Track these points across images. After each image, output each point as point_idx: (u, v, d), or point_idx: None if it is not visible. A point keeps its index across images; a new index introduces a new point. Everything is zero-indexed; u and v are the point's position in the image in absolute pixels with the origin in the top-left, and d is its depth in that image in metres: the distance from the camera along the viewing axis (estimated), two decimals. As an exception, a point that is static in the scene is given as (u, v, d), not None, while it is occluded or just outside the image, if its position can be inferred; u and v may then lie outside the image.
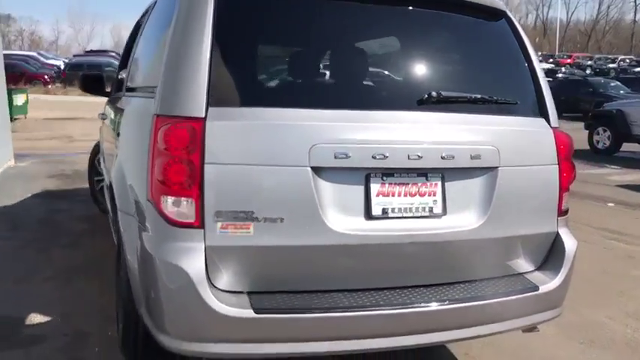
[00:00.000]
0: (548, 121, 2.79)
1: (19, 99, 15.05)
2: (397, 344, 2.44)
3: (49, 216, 6.03)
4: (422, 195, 2.49)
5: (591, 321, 3.91)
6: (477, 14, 2.82)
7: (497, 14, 2.88)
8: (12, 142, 9.33)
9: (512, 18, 2.93)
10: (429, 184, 2.50)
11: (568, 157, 2.81)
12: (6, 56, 11.71)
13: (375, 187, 2.42)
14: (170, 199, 2.25)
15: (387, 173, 2.43)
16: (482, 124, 2.60)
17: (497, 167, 2.58)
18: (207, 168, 2.23)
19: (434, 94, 2.50)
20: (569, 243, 2.79)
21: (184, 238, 2.25)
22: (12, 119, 12.19)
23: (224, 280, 2.31)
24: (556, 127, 2.81)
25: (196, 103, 2.25)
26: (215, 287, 2.28)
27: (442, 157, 2.46)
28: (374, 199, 2.41)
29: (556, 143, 2.76)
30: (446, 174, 2.52)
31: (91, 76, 5.10)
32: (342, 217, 2.36)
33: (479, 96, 2.63)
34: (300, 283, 2.40)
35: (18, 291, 4.00)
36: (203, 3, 2.34)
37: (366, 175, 2.41)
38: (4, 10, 65.96)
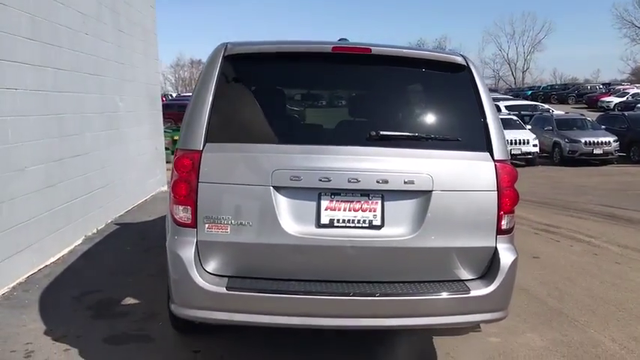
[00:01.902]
0: (492, 154, 3.36)
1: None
2: (338, 324, 3.19)
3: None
4: (364, 210, 3.23)
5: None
6: (430, 67, 3.51)
7: (453, 66, 3.53)
8: (166, 172, 11.12)
9: (471, 67, 3.54)
10: (370, 202, 3.23)
11: (510, 185, 3.35)
12: (183, 97, 13.64)
13: (324, 203, 3.22)
14: (177, 207, 3.26)
15: (335, 192, 3.22)
16: (418, 156, 3.28)
17: (430, 191, 3.24)
18: (200, 185, 3.20)
19: (373, 132, 3.25)
20: (506, 257, 3.31)
21: (184, 234, 3.23)
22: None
23: (212, 265, 3.25)
24: (501, 160, 3.37)
25: (197, 140, 3.25)
26: (205, 270, 3.22)
27: (377, 182, 3.19)
28: (323, 212, 3.21)
29: (497, 173, 3.33)
30: (385, 194, 3.24)
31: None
32: (296, 224, 3.19)
33: (416, 134, 3.33)
34: (265, 272, 3.25)
35: (126, 282, 5.28)
36: (209, 78, 3.34)
37: (318, 194, 3.22)
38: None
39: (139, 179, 8.98)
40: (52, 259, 5.88)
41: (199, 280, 3.15)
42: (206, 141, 3.24)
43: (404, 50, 3.51)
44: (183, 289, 3.21)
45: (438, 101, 3.54)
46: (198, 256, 3.21)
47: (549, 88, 51.26)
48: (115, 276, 5.44)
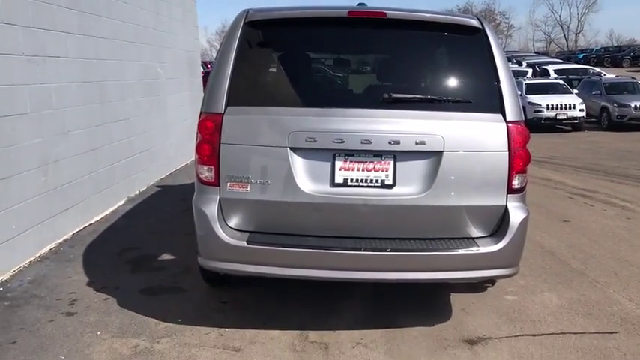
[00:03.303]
0: (504, 115, 3.44)
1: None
2: (350, 277, 3.38)
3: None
4: (377, 170, 3.38)
5: (603, 299, 4.26)
6: (445, 30, 3.58)
7: (468, 29, 3.59)
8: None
9: (486, 30, 3.60)
10: (383, 162, 3.38)
11: (521, 146, 3.43)
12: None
13: (338, 164, 3.38)
14: (201, 167, 3.48)
15: (349, 153, 3.38)
16: (430, 118, 3.39)
17: (442, 151, 3.35)
18: (222, 147, 3.41)
19: (387, 95, 3.38)
20: (516, 215, 3.42)
21: (208, 192, 3.46)
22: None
23: (234, 221, 3.48)
24: (513, 121, 3.44)
25: (219, 104, 3.44)
26: (227, 226, 3.46)
27: (389, 143, 3.33)
28: (337, 172, 3.38)
29: (509, 134, 3.41)
30: (397, 155, 3.38)
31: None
32: (311, 183, 3.37)
33: (428, 96, 3.44)
34: (283, 228, 3.46)
35: (164, 239, 5.60)
36: (231, 44, 3.50)
37: (333, 154, 3.38)
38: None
39: (180, 144, 9.31)
40: (97, 218, 6.26)
41: (222, 235, 3.38)
42: (227, 104, 3.43)
43: (419, 14, 3.59)
44: (207, 242, 3.45)
45: (452, 64, 3.62)
46: (221, 212, 3.43)
47: (602, 50, 49.33)
48: (154, 234, 5.77)
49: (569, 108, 16.97)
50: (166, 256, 5.15)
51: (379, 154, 3.37)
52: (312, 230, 3.45)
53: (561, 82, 19.20)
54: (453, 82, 3.59)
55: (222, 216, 3.45)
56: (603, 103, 17.90)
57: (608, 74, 26.91)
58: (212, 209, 3.42)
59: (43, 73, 5.19)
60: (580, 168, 10.27)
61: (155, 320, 3.84)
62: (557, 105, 16.56)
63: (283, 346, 3.51)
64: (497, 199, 3.43)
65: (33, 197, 5.00)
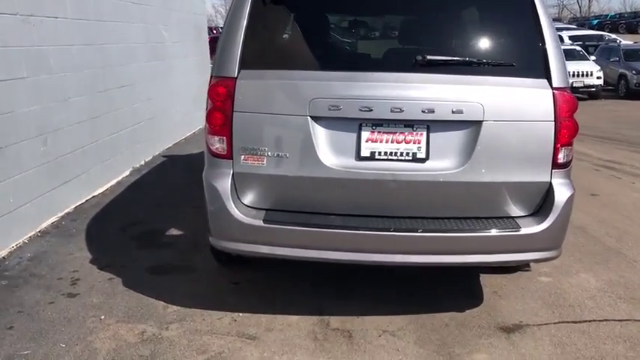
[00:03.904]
0: (550, 81, 3.07)
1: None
2: (377, 260, 3.06)
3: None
4: (407, 142, 3.03)
5: None
6: None
7: None
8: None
9: None
10: (414, 133, 3.03)
11: (569, 115, 3.07)
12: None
13: (365, 134, 3.03)
14: (212, 138, 3.14)
15: (377, 123, 3.02)
16: (468, 83, 3.02)
17: (481, 121, 2.99)
18: (235, 115, 3.06)
19: (420, 57, 3.00)
20: (561, 193, 3.07)
21: (220, 165, 3.13)
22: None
23: (248, 198, 3.15)
24: (560, 87, 3.07)
25: (232, 67, 3.08)
26: (242, 202, 3.13)
27: (422, 111, 2.97)
28: (363, 144, 3.03)
29: (555, 102, 3.04)
30: (431, 125, 3.02)
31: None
32: (335, 156, 3.03)
33: (466, 58, 3.06)
34: (304, 206, 3.13)
35: (171, 213, 5.29)
36: (242, 7, 3.13)
37: (359, 124, 3.03)
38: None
39: (186, 112, 8.95)
40: (100, 190, 5.96)
41: (235, 213, 3.06)
42: (241, 67, 3.07)
43: None
44: (219, 221, 3.14)
45: (492, 24, 3.24)
46: (235, 188, 3.11)
47: (617, 16, 48.11)
48: (160, 207, 5.47)
49: (587, 75, 16.44)
50: (174, 232, 4.85)
51: (411, 124, 3.02)
52: (335, 208, 3.13)
53: (578, 48, 18.58)
54: (493, 43, 3.21)
55: (236, 192, 3.12)
56: (621, 71, 17.36)
57: (624, 41, 26.18)
58: (224, 184, 3.09)
59: (39, 34, 4.82)
60: (602, 138, 9.88)
61: (163, 303, 3.56)
62: (573, 72, 16.01)
63: (303, 334, 3.22)
64: (540, 175, 3.08)
65: (32, 168, 4.68)
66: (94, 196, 5.79)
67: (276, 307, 3.49)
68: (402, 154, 3.03)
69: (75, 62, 5.42)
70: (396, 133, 3.03)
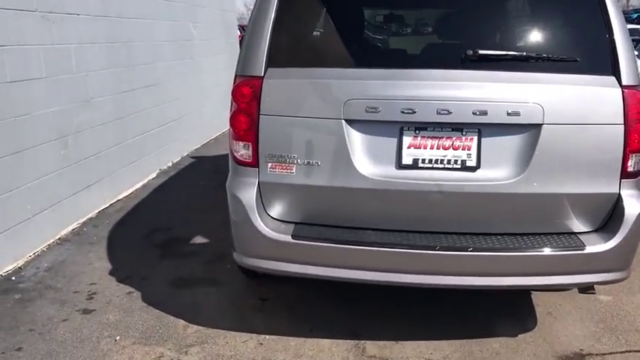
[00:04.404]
0: (619, 78, 2.68)
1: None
2: (420, 282, 2.71)
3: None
4: (456, 148, 2.67)
5: None
6: None
7: None
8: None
9: None
10: (464, 138, 2.67)
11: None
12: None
13: (407, 139, 2.69)
14: (237, 144, 2.83)
15: (421, 127, 2.67)
16: (525, 81, 2.65)
17: (540, 124, 2.62)
18: (262, 118, 2.75)
19: (470, 52, 2.64)
20: (632, 206, 2.68)
21: (244, 174, 2.82)
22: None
23: (276, 210, 2.83)
24: (630, 86, 2.68)
25: (258, 65, 2.77)
26: (268, 215, 2.82)
27: (473, 113, 2.61)
28: (405, 151, 2.68)
29: (625, 102, 2.65)
30: (483, 129, 2.66)
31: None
32: (372, 164, 2.69)
33: (524, 53, 2.68)
34: (337, 220, 2.81)
35: (196, 219, 5.02)
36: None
37: (400, 128, 2.69)
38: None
39: (216, 111, 8.70)
40: (125, 194, 5.73)
41: (261, 227, 2.75)
42: (268, 65, 2.76)
43: None
44: (243, 235, 2.84)
45: (551, 13, 2.84)
46: (261, 199, 2.80)
47: (660, 9, 46.41)
48: (186, 212, 5.21)
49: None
50: (199, 239, 4.57)
51: (460, 128, 2.66)
52: (372, 223, 2.79)
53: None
54: (553, 36, 2.82)
55: (262, 203, 2.81)
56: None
57: (670, 35, 25.07)
58: (249, 195, 2.79)
59: (60, 32, 4.59)
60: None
61: (184, 322, 3.27)
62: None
63: (336, 362, 2.89)
64: (607, 186, 2.69)
65: (51, 173, 4.46)
66: (118, 200, 5.56)
67: (306, 328, 3.18)
68: (449, 161, 2.68)
69: (98, 61, 5.19)
70: (442, 137, 2.68)
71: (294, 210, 2.83)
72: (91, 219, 5.02)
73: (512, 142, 2.66)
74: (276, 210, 2.83)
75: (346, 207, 2.78)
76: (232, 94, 2.82)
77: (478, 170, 2.67)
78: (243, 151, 2.81)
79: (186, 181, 6.42)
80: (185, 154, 7.52)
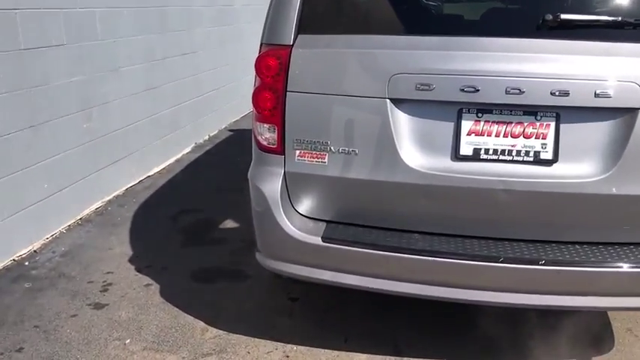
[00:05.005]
0: None
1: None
2: (478, 299, 2.23)
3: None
4: (528, 136, 2.15)
5: None
6: None
7: None
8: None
9: None
10: (538, 124, 2.14)
11: None
12: None
13: (467, 124, 2.18)
14: (260, 126, 2.39)
15: (484, 109, 2.16)
16: (617, 54, 2.09)
17: (636, 109, 2.06)
18: (289, 96, 2.28)
19: (550, 17, 2.09)
20: None
21: (268, 162, 2.38)
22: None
23: (305, 205, 2.39)
24: None
25: (287, 31, 2.29)
26: (296, 211, 2.38)
27: (552, 93, 2.08)
28: (464, 138, 2.18)
29: None
30: (563, 113, 2.13)
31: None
32: (423, 154, 2.21)
33: (618, 18, 2.10)
34: (377, 220, 2.34)
35: (230, 199, 4.62)
36: None
37: (458, 110, 2.18)
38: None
39: (257, 81, 8.26)
40: (156, 169, 5.39)
41: (286, 225, 2.32)
42: (298, 32, 2.28)
43: None
44: (266, 234, 2.42)
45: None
46: (287, 192, 2.36)
47: None
48: (219, 192, 4.83)
49: None
50: (229, 224, 4.18)
51: (533, 111, 2.14)
52: (420, 225, 2.32)
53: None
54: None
55: (289, 197, 2.37)
56: None
57: None
58: (274, 188, 2.35)
59: (83, -6, 4.20)
60: None
61: (202, 324, 2.90)
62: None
63: (373, 384, 2.45)
64: None
65: (73, 148, 4.13)
66: (148, 177, 5.23)
67: (339, 339, 2.75)
68: (518, 153, 2.16)
69: (127, 27, 4.80)
70: (511, 123, 2.16)
71: (326, 206, 2.38)
72: (117, 197, 4.70)
73: (598, 131, 2.12)
74: (305, 205, 2.39)
75: (388, 205, 2.31)
76: (255, 67, 2.36)
77: (555, 164, 2.15)
78: (267, 134, 2.37)
79: (222, 156, 6.04)
80: (223, 127, 7.14)
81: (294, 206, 2.39)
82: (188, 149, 6.12)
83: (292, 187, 2.36)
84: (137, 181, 5.05)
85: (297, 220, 2.35)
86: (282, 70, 2.28)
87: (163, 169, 5.49)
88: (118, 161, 4.74)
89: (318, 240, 2.29)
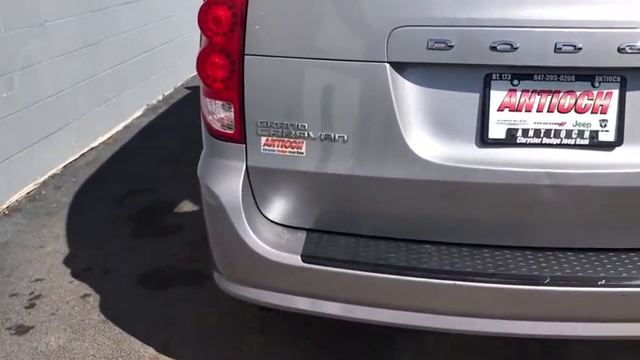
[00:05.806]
0: None
1: None
2: (515, 332, 1.66)
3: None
4: (580, 111, 1.55)
5: None
6: None
7: None
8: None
9: None
10: (596, 93, 1.53)
11: None
12: None
13: (497, 96, 1.56)
14: (210, 103, 1.73)
15: (521, 74, 1.54)
16: None
17: None
18: (247, 60, 1.62)
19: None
20: None
21: (224, 154, 1.74)
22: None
23: (277, 210, 1.77)
24: None
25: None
26: (265, 217, 1.75)
27: (619, 50, 1.46)
28: (494, 115, 1.56)
29: None
30: (630, 78, 1.51)
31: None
32: (436, 139, 1.59)
33: None
34: (375, 227, 1.73)
35: (187, 174, 3.89)
36: None
37: (485, 76, 1.55)
38: None
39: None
40: (101, 139, 4.67)
41: (252, 239, 1.71)
42: (256, -31, 1.59)
43: None
44: (226, 251, 1.78)
45: None
46: (252, 194, 1.72)
47: None
48: (174, 164, 4.16)
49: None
50: (186, 206, 3.55)
51: (590, 76, 1.52)
52: (436, 233, 1.71)
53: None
54: None
55: (255, 201, 1.73)
56: None
57: None
58: (232, 188, 1.71)
59: None
60: None
61: (152, 352, 2.32)
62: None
63: None
64: None
65: (-11, 123, 3.39)
66: (92, 149, 4.52)
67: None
68: (568, 134, 1.55)
69: (50, -29, 3.98)
70: (559, 92, 1.54)
71: (306, 210, 1.76)
72: (53, 177, 4.00)
73: (682, 101, 1.51)
74: (277, 210, 1.77)
75: (390, 209, 1.70)
76: (199, 21, 1.68)
77: (618, 148, 1.55)
78: (220, 114, 1.71)
79: (178, 118, 5.33)
80: (179, 85, 6.38)
81: (262, 211, 1.76)
82: (139, 112, 5.38)
83: (258, 187, 1.73)
84: (78, 156, 4.34)
85: (267, 231, 1.73)
86: (236, 25, 1.61)
87: (109, 138, 4.77)
88: (52, 134, 4.01)
89: (296, 259, 1.67)
